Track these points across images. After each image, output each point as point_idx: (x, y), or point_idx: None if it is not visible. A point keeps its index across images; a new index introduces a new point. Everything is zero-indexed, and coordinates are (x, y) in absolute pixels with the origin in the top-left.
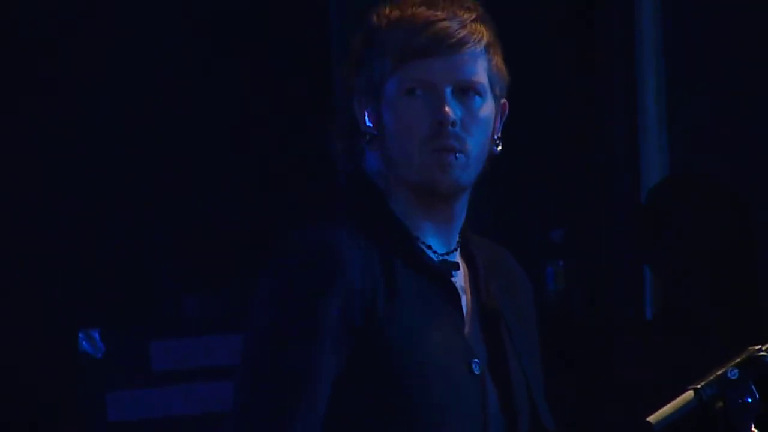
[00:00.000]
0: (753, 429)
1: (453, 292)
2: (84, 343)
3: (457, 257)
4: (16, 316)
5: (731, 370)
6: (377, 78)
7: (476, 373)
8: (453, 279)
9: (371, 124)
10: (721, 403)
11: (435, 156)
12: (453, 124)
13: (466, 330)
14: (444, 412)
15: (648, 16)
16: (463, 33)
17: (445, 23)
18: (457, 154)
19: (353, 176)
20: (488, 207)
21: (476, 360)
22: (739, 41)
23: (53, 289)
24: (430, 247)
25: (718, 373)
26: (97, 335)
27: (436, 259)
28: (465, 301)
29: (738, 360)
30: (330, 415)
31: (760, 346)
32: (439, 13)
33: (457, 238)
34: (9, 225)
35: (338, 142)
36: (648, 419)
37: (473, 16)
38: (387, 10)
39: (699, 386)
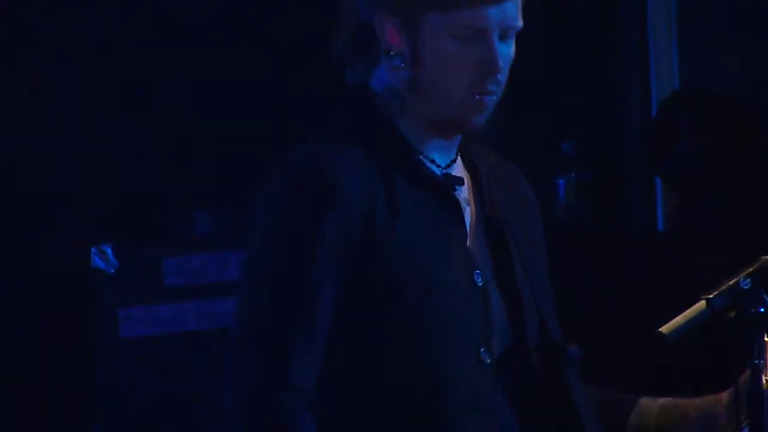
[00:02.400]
0: (765, 338)
1: (455, 205)
2: (96, 258)
3: (460, 169)
4: (29, 233)
5: (744, 280)
6: (417, 4)
7: (479, 284)
8: (456, 192)
9: (395, 43)
10: (733, 313)
11: (476, 99)
12: (500, 71)
13: (469, 242)
14: (446, 323)
15: None
16: None
17: None
18: (495, 97)
19: (357, 89)
20: (500, 119)
21: (477, 271)
22: None
23: (66, 206)
24: (433, 161)
25: (731, 283)
26: (110, 251)
27: (438, 173)
28: (469, 213)
29: (750, 270)
30: (333, 331)
31: None
32: None
33: (456, 149)
34: (20, 141)
35: (342, 51)
36: (660, 330)
37: None
38: None
39: (711, 296)
